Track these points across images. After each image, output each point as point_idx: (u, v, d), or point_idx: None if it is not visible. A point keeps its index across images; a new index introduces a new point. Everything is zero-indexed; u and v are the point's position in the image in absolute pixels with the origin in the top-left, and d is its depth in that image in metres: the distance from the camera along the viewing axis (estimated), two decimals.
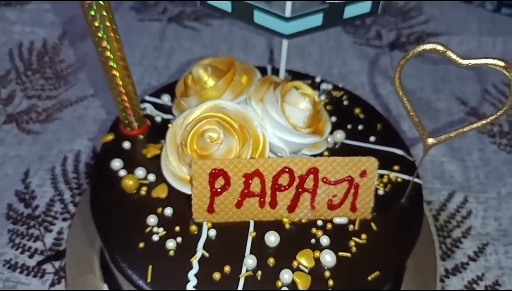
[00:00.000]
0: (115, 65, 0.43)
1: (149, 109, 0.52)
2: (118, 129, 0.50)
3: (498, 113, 0.35)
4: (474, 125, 0.37)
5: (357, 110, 0.54)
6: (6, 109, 0.74)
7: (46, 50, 0.86)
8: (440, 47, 0.34)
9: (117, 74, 0.44)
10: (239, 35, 0.91)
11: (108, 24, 0.40)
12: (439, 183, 0.66)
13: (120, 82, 0.44)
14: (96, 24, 0.40)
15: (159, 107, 0.53)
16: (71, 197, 0.62)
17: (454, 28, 0.96)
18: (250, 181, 0.40)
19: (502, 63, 0.33)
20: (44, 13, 0.93)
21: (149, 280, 0.38)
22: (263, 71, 0.55)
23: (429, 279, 0.53)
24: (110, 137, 0.49)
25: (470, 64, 0.34)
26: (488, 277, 0.55)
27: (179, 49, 0.88)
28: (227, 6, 0.46)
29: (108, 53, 0.42)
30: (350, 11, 0.46)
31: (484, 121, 0.36)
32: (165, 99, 0.53)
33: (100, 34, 0.41)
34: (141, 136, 0.50)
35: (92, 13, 0.39)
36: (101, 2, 0.39)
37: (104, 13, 0.40)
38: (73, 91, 0.78)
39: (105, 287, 0.50)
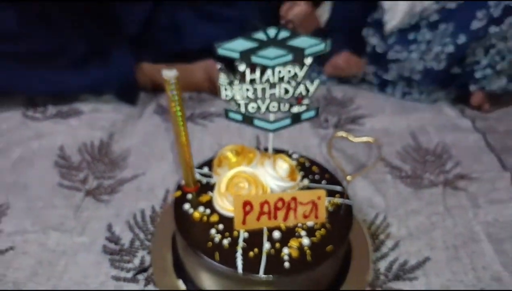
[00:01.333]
0: (186, 149, 0.82)
1: (198, 175, 0.90)
2: (181, 188, 0.87)
3: (374, 162, 0.76)
4: (367, 168, 0.78)
5: (314, 168, 0.93)
6: (84, 187, 1.10)
7: (102, 145, 1.24)
8: (344, 134, 0.75)
9: (187, 155, 0.82)
10: (234, 127, 1.29)
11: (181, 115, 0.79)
12: (370, 208, 1.03)
13: (188, 158, 0.83)
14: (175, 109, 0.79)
15: (202, 174, 0.91)
16: (145, 236, 0.96)
17: (375, 111, 1.40)
18: (263, 206, 0.78)
19: (371, 139, 0.74)
20: (96, 120, 1.31)
21: (218, 259, 0.73)
22: (259, 149, 0.95)
23: (366, 262, 0.90)
24: (178, 193, 0.86)
25: (358, 141, 0.75)
26: (400, 259, 0.92)
27: (195, 139, 1.26)
28: (239, 118, 0.87)
29: (183, 139, 0.80)
30: (305, 116, 0.86)
31: (370, 166, 0.77)
32: (205, 169, 0.92)
33: (179, 121, 0.80)
34: (195, 192, 0.87)
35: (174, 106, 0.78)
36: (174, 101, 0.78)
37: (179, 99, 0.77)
38: (127, 172, 1.15)
39: (181, 281, 0.84)
